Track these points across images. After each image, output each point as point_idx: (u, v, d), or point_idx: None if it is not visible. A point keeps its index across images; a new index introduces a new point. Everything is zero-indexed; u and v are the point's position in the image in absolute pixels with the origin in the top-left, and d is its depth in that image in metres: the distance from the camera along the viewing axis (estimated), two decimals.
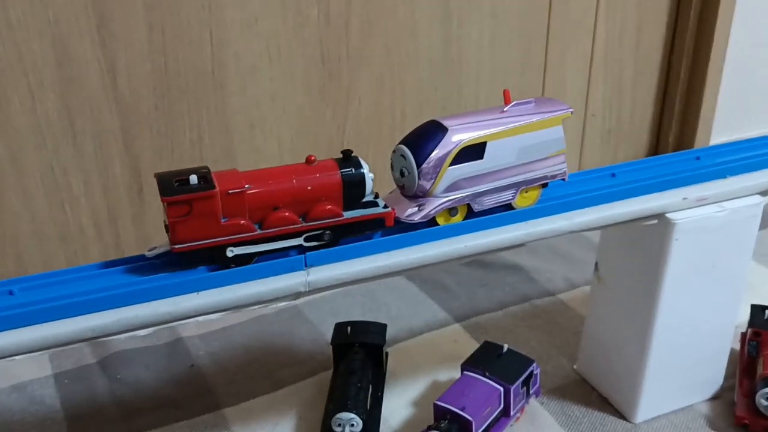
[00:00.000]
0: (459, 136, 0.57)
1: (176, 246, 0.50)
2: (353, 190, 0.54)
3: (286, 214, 0.52)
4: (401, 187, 0.59)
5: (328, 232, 0.54)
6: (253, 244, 0.52)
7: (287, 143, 0.96)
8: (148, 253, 0.52)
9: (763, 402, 0.69)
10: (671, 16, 1.15)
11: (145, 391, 0.78)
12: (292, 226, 0.52)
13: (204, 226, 0.50)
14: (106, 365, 0.82)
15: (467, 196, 0.58)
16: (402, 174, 0.57)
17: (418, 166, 0.56)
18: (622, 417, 0.73)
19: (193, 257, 0.51)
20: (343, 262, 0.55)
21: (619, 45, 1.13)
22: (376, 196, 0.56)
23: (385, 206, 0.55)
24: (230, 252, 0.51)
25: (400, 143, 0.57)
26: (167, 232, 0.51)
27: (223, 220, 0.50)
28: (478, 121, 0.58)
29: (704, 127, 1.17)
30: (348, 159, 0.55)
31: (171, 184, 0.49)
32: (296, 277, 0.53)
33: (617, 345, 0.73)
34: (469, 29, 1.01)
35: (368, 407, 0.70)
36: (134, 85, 0.86)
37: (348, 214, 0.54)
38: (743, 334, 0.81)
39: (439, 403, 0.67)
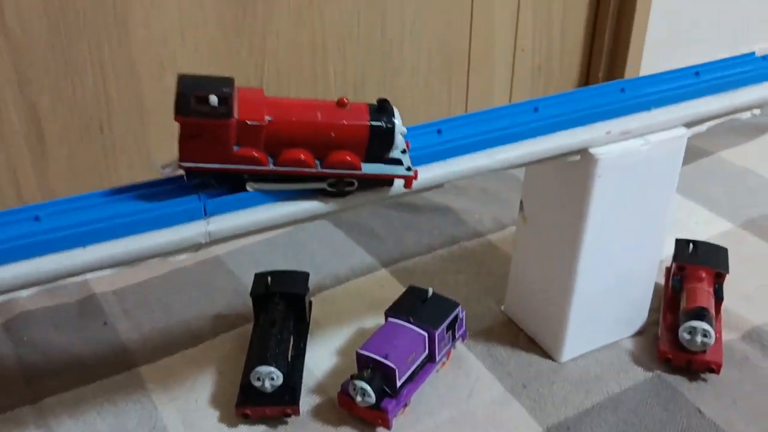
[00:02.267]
0: None
1: (183, 164, 0.48)
2: (379, 144, 0.50)
3: (302, 156, 0.49)
4: None
5: (351, 182, 0.51)
6: (266, 179, 0.50)
7: None
8: (162, 170, 0.49)
9: (686, 336, 0.69)
10: None
11: (53, 353, 0.74)
12: (306, 169, 0.49)
13: (214, 150, 0.47)
14: (10, 328, 0.77)
15: None
16: None
17: None
18: (549, 357, 0.73)
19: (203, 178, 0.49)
20: (246, 210, 0.51)
21: None
22: (405, 151, 0.52)
23: (408, 168, 0.52)
24: (250, 187, 0.49)
25: None
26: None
27: (235, 148, 0.48)
28: None
29: (634, 61, 1.16)
30: (382, 110, 0.51)
31: (188, 100, 0.45)
32: (195, 227, 0.49)
33: (543, 285, 0.72)
34: None
35: (289, 359, 0.68)
36: (25, 23, 0.78)
37: (366, 168, 0.51)
38: (668, 269, 0.81)
39: (361, 351, 0.64)
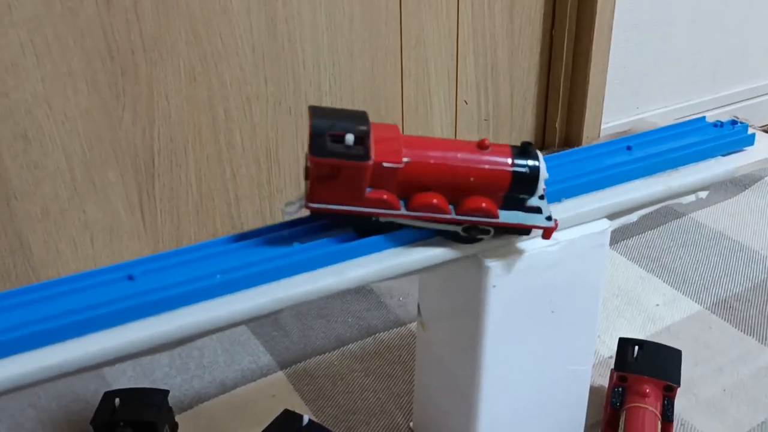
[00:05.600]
0: None
1: (311, 205, 0.45)
2: (520, 190, 0.47)
3: (435, 201, 0.46)
4: None
5: (486, 229, 0.47)
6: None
7: (78, 155, 0.78)
8: (285, 210, 0.47)
9: None
10: None
11: None
12: (439, 215, 0.46)
13: (346, 192, 0.44)
14: None
15: None
16: None
17: None
18: None
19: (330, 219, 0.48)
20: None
21: (489, 18, 0.97)
22: (542, 197, 0.48)
23: (549, 218, 0.48)
24: (383, 218, 0.46)
25: None
26: (306, 178, 0.46)
27: (367, 190, 0.45)
28: None
29: (593, 109, 1.03)
30: (525, 152, 0.47)
31: (324, 139, 0.42)
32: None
33: (446, 404, 0.59)
34: (298, 7, 0.84)
35: None
36: None
37: (504, 216, 0.47)
38: (612, 373, 0.68)
39: None
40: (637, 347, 0.65)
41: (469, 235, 0.48)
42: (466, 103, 1.00)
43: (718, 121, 0.62)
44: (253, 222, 0.92)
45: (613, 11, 0.98)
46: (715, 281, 0.85)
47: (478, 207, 0.46)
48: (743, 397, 0.69)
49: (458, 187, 0.46)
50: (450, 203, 0.46)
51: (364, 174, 0.43)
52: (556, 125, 1.05)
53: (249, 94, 0.86)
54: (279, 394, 0.70)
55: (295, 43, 0.86)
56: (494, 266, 0.49)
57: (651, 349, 0.65)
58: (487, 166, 0.46)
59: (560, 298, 0.54)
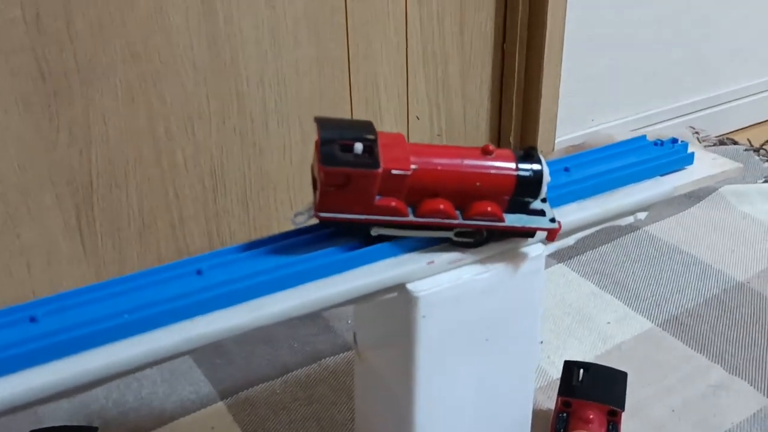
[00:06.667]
0: None
1: (321, 214, 0.45)
2: (525, 193, 0.48)
3: (442, 206, 0.47)
4: None
5: (483, 232, 0.48)
6: (400, 227, 0.48)
7: (10, 179, 0.76)
8: (295, 219, 0.47)
9: None
10: None
11: None
12: (447, 221, 0.47)
13: (356, 201, 0.45)
14: None
15: None
16: None
17: None
18: None
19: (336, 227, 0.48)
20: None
21: (438, 33, 0.96)
22: (544, 199, 0.49)
23: (552, 219, 0.49)
24: (374, 232, 0.47)
25: None
26: (314, 188, 0.47)
27: (377, 198, 0.45)
28: None
29: (547, 122, 1.02)
30: (529, 157, 0.48)
31: (333, 149, 0.43)
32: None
33: None
34: (240, 24, 0.82)
35: None
36: None
37: (510, 220, 0.48)
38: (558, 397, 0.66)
39: None
40: (582, 370, 0.63)
41: (473, 240, 0.49)
42: (418, 119, 0.98)
43: (658, 139, 0.61)
44: (199, 243, 0.90)
45: (564, 24, 0.97)
46: (667, 297, 0.84)
47: (485, 211, 0.47)
48: (692, 417, 0.68)
49: (465, 192, 0.47)
50: (456, 209, 0.47)
51: (374, 181, 0.44)
52: (510, 139, 1.04)
53: (191, 112, 0.83)
54: (218, 425, 0.68)
55: (238, 61, 0.84)
56: (423, 296, 0.48)
57: (596, 372, 0.63)
58: (492, 171, 0.47)
59: (495, 325, 0.52)
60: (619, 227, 0.98)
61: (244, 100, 0.86)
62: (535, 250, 0.52)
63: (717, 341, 0.77)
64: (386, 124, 0.96)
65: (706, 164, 0.60)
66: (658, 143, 0.61)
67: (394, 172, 0.45)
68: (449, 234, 0.48)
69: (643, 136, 0.63)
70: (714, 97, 1.29)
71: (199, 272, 0.45)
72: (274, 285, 0.45)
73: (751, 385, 0.71)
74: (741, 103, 1.33)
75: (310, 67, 0.89)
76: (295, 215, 0.47)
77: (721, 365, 0.74)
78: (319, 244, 0.49)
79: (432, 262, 0.48)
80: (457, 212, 0.47)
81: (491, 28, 0.99)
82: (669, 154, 0.59)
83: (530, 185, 0.47)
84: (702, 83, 1.28)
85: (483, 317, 0.51)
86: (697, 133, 1.23)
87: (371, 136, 0.44)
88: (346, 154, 0.43)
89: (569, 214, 0.53)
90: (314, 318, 0.81)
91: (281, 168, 0.91)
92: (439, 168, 0.46)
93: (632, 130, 1.18)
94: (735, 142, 1.24)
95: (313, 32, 0.87)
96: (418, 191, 0.46)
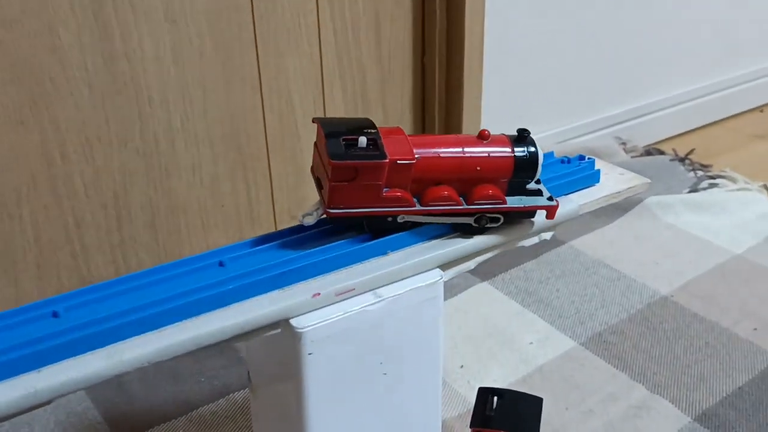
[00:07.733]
0: None
1: (332, 210, 0.46)
2: (523, 174, 0.49)
3: (446, 192, 0.48)
4: None
5: (496, 217, 0.50)
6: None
7: None
8: (304, 221, 0.47)
9: None
10: (416, 7, 0.96)
11: None
12: (452, 207, 0.48)
13: (364, 194, 0.46)
14: None
15: None
16: None
17: None
18: None
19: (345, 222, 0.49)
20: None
21: (354, 45, 0.93)
22: (538, 181, 0.51)
23: (550, 198, 0.50)
24: (401, 219, 0.48)
25: None
26: (318, 187, 0.48)
27: (384, 190, 0.46)
28: None
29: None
30: (523, 139, 0.50)
31: (338, 144, 0.45)
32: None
33: None
34: (138, 41, 0.78)
35: None
36: None
37: (511, 201, 0.50)
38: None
39: None
40: (496, 398, 0.60)
41: (479, 225, 0.50)
42: None
43: (565, 156, 0.59)
44: (105, 273, 0.84)
45: (483, 37, 0.95)
46: (591, 313, 0.82)
47: (487, 194, 0.49)
48: None
49: (467, 177, 0.48)
50: (460, 195, 0.49)
51: (382, 173, 0.45)
52: None
53: (89, 135, 0.78)
54: None
55: (138, 80, 0.79)
56: (308, 332, 0.44)
57: (510, 399, 0.60)
58: (491, 155, 0.48)
59: (393, 358, 0.49)
60: (546, 242, 0.96)
61: (148, 120, 0.81)
62: (432, 276, 0.49)
63: (639, 359, 0.75)
64: (303, 140, 0.93)
65: (612, 181, 0.59)
66: (565, 160, 0.59)
67: (400, 161, 0.46)
68: (468, 220, 0.49)
69: (551, 153, 0.61)
70: (640, 108, 1.30)
71: (55, 314, 0.41)
72: (136, 326, 0.41)
73: (673, 403, 0.69)
74: (666, 113, 1.34)
75: (218, 84, 0.85)
76: (303, 216, 0.47)
77: (644, 384, 0.72)
78: (200, 275, 0.45)
79: (318, 294, 0.45)
80: (461, 199, 0.49)
81: (409, 40, 0.96)
82: (576, 172, 0.57)
83: (527, 166, 0.49)
84: (627, 94, 1.28)
85: (377, 350, 0.48)
86: (623, 143, 1.23)
87: (373, 130, 0.46)
88: (352, 149, 0.45)
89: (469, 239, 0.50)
90: (224, 350, 0.77)
91: (191, 189, 0.87)
92: (441, 155, 0.48)
93: (558, 142, 1.17)
94: (661, 152, 1.24)
95: (221, 47, 0.83)
96: (421, 180, 0.48)
